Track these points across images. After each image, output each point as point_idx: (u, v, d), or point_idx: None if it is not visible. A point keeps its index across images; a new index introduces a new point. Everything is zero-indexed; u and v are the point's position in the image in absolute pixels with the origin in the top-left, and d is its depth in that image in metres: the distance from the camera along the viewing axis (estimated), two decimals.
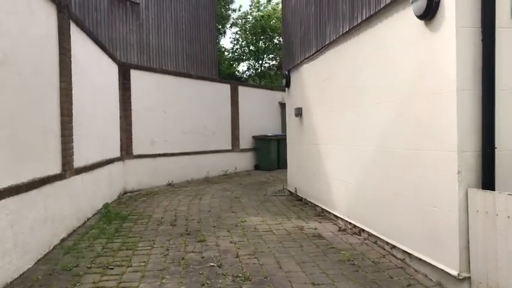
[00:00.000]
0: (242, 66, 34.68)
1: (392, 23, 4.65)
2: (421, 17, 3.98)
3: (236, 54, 26.48)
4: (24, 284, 4.08)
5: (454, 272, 3.72)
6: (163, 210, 7.88)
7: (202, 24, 15.03)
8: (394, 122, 4.65)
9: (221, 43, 28.60)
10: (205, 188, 10.82)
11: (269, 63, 26.90)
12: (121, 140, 9.87)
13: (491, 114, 3.59)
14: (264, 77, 26.00)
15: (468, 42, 3.61)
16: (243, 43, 26.11)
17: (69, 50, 5.89)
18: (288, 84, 9.15)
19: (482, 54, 3.59)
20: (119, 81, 9.80)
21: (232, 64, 26.80)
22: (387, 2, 4.64)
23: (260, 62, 26.42)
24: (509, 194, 3.31)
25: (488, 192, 3.49)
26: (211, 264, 4.63)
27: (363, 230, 5.62)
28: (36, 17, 4.93)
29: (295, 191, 8.81)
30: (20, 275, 4.26)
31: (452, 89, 3.65)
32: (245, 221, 6.81)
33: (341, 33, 5.96)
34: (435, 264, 4.00)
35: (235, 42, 26.19)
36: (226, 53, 26.39)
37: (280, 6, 25.02)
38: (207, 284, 4.06)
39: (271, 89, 17.15)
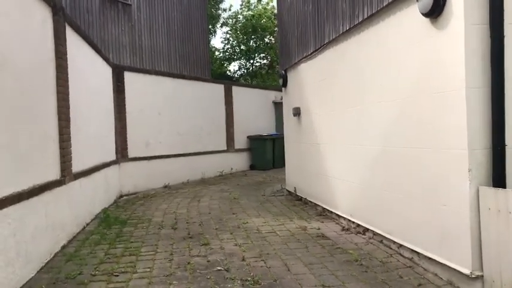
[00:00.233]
0: (233, 66, 34.66)
1: (396, 21, 4.62)
2: (427, 14, 3.95)
3: (227, 53, 26.40)
4: None
5: (467, 271, 3.70)
6: (163, 213, 7.79)
7: (194, 25, 14.93)
8: (400, 120, 4.62)
9: (212, 43, 28.46)
10: (202, 190, 10.74)
11: (260, 63, 26.86)
12: (116, 143, 9.75)
13: (501, 112, 3.57)
14: (256, 76, 25.95)
15: (477, 39, 3.59)
16: (234, 43, 26.04)
17: (66, 54, 5.78)
18: (284, 84, 9.11)
19: (491, 51, 3.58)
20: (113, 83, 9.67)
21: (223, 64, 26.71)
22: (390, 1, 4.60)
23: (251, 61, 26.36)
24: None
25: (500, 190, 3.47)
26: (219, 268, 4.57)
27: (367, 229, 5.60)
28: (32, 20, 4.81)
29: (295, 190, 8.77)
30: (23, 285, 4.15)
31: (462, 87, 3.62)
32: (247, 222, 6.75)
33: (341, 32, 5.92)
34: (445, 263, 3.98)
35: (226, 41, 26.12)
36: (217, 53, 26.29)
37: (271, 5, 25.05)
38: None
39: (265, 88, 17.10)
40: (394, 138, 4.75)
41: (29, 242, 4.34)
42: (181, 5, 14.03)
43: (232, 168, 14.26)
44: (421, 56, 4.18)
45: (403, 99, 4.49)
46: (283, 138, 14.85)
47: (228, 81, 16.10)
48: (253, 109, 15.39)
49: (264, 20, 24.66)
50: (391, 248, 5.03)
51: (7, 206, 3.84)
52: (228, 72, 26.84)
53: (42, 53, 5.11)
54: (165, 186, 11.36)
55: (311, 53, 7.24)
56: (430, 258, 4.24)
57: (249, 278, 4.22)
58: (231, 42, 26.16)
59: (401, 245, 4.79)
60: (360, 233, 5.77)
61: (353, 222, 5.99)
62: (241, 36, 25.46)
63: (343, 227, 6.19)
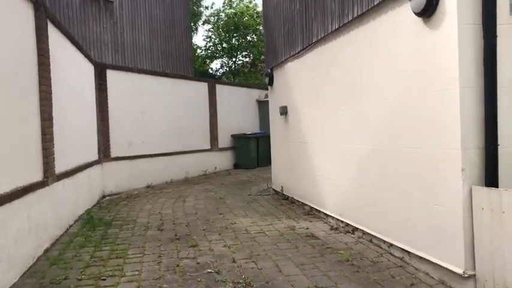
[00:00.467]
0: (215, 64, 34.42)
1: (387, 20, 4.60)
2: (419, 14, 3.94)
3: (209, 51, 26.20)
4: None
5: (459, 270, 3.71)
6: (148, 214, 7.65)
7: (177, 22, 14.74)
8: (391, 120, 4.61)
9: (193, 40, 28.22)
10: (186, 189, 10.60)
11: (243, 61, 26.75)
12: (98, 142, 9.54)
13: (494, 111, 3.59)
14: (238, 74, 25.83)
15: (470, 39, 3.60)
16: (216, 40, 25.85)
17: (48, 51, 5.59)
18: (271, 83, 9.05)
19: (484, 51, 3.59)
20: (95, 81, 9.45)
21: (205, 62, 26.50)
22: (381, 0, 4.59)
23: (234, 59, 26.23)
24: None
25: (493, 190, 3.48)
26: (209, 270, 4.49)
27: (357, 229, 5.59)
28: (14, 16, 4.63)
29: (281, 189, 8.73)
30: None
31: (455, 87, 3.63)
32: (235, 222, 6.68)
33: (330, 31, 5.89)
34: (437, 262, 3.99)
35: (208, 39, 25.92)
36: (199, 51, 26.08)
37: (253, 3, 24.96)
38: None
39: (249, 86, 17.02)
40: (386, 138, 4.74)
41: (11, 246, 4.18)
42: (163, 2, 13.83)
43: (216, 167, 14.15)
44: (413, 55, 4.17)
45: (396, 99, 4.49)
46: (267, 136, 14.93)
47: (212, 80, 15.96)
48: (237, 108, 15.30)
49: (247, 18, 24.55)
50: (381, 248, 5.03)
51: None
52: (210, 70, 26.65)
53: (25, 51, 4.93)
54: (148, 186, 11.18)
55: (299, 52, 7.20)
56: (421, 258, 4.24)
57: (240, 280, 4.16)
58: (213, 40, 25.98)
59: (391, 244, 4.79)
60: (349, 232, 5.76)
61: (342, 221, 5.98)
62: (223, 34, 25.30)
63: (332, 227, 6.17)
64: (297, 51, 7.28)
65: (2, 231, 3.96)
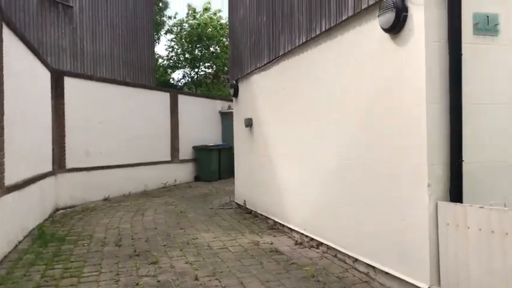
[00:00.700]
0: (177, 74, 34.04)
1: (355, 35, 4.63)
2: (388, 30, 3.98)
3: (171, 61, 25.86)
4: None
5: (425, 286, 3.71)
6: (105, 228, 7.29)
7: (140, 31, 14.44)
8: (358, 134, 4.61)
9: (156, 50, 27.77)
10: (146, 203, 10.25)
11: (205, 72, 26.56)
12: (53, 152, 9.07)
13: (459, 127, 3.65)
14: (201, 85, 25.60)
15: (436, 56, 3.65)
16: (179, 50, 25.56)
17: (1, 56, 5.25)
18: (236, 94, 8.97)
19: (449, 68, 3.65)
20: (52, 89, 9.02)
21: (167, 71, 26.12)
22: (349, 15, 4.62)
23: (196, 70, 26.00)
24: (480, 207, 3.35)
25: (459, 205, 3.52)
26: None
27: (321, 243, 5.54)
28: None
29: (244, 203, 8.60)
30: None
31: (422, 103, 3.66)
32: (196, 238, 6.47)
33: (297, 45, 5.88)
34: (403, 278, 3.98)
35: (171, 49, 25.60)
36: (160, 60, 25.68)
37: (218, 14, 24.93)
38: None
39: (211, 97, 16.88)
40: (353, 152, 4.74)
41: None
42: (126, 10, 13.52)
43: (176, 180, 13.83)
44: (381, 70, 4.20)
45: (364, 113, 4.49)
46: (229, 148, 14.86)
47: (174, 90, 15.70)
48: (199, 119, 15.10)
49: (210, 29, 24.46)
50: (346, 263, 4.99)
51: None
52: (171, 80, 26.28)
53: None
54: (106, 199, 10.73)
55: (265, 64, 7.16)
56: (387, 273, 4.23)
57: None
58: (175, 50, 25.68)
59: (356, 259, 4.76)
60: (314, 247, 5.71)
61: (306, 236, 5.92)
62: (186, 44, 25.06)
63: (296, 241, 6.09)
64: (263, 64, 7.24)
65: None
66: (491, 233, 3.24)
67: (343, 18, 4.73)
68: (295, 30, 5.94)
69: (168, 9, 24.89)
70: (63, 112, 9.53)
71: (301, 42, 5.77)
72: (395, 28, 3.89)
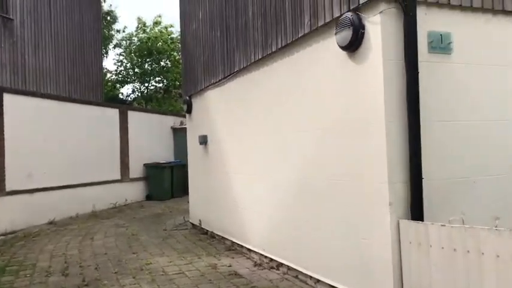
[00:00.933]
0: (127, 89, 33.20)
1: (313, 52, 4.59)
2: (345, 48, 3.96)
3: (120, 76, 25.16)
4: None
5: None
6: (50, 256, 6.77)
7: (87, 45, 13.88)
8: (318, 152, 4.54)
9: (103, 64, 26.95)
10: (94, 225, 9.71)
11: (156, 86, 26.07)
12: None
13: (418, 145, 3.65)
14: (151, 100, 25.04)
15: (394, 74, 3.65)
16: (128, 65, 24.95)
17: None
18: (189, 110, 8.74)
19: (407, 86, 3.66)
20: None
21: (116, 86, 25.37)
22: (306, 32, 4.58)
23: (146, 84, 25.46)
24: (441, 225, 3.35)
25: (421, 224, 3.50)
26: None
27: (282, 264, 5.40)
28: None
29: (200, 223, 8.32)
30: None
31: (381, 120, 3.64)
32: (150, 263, 6.14)
33: (253, 61, 5.79)
34: None
35: (119, 63, 24.93)
36: (109, 75, 24.93)
37: (169, 29, 24.62)
38: None
39: (163, 113, 16.50)
40: (314, 170, 4.65)
41: None
42: (72, 23, 12.95)
43: (127, 199, 13.29)
44: (339, 88, 4.17)
45: (324, 130, 4.43)
46: (182, 166, 14.50)
47: (124, 106, 15.20)
48: (150, 135, 14.67)
49: (161, 43, 24.08)
50: (307, 284, 4.87)
51: None
52: (120, 95, 25.55)
53: None
54: (51, 223, 10.05)
55: (220, 80, 7.01)
56: None
57: None
58: (124, 64, 25.05)
59: (318, 280, 4.66)
60: (274, 268, 5.55)
61: (266, 256, 5.76)
62: (135, 58, 24.51)
63: (256, 262, 5.92)
64: (218, 80, 7.09)
65: None
66: (453, 251, 3.23)
67: (299, 35, 4.69)
68: (251, 46, 5.85)
69: (116, 22, 24.22)
70: (3, 130, 8.90)
71: (257, 59, 5.68)
72: (353, 46, 3.87)
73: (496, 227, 3.95)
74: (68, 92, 12.70)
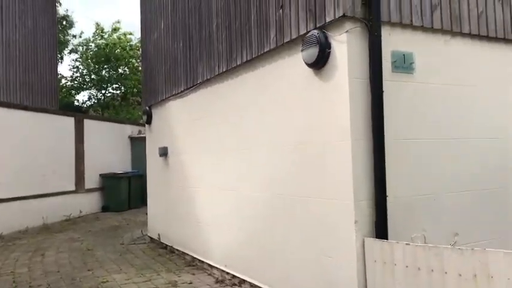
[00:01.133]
0: (83, 96, 32.21)
1: (279, 68, 4.56)
2: (311, 65, 3.95)
3: (76, 82, 24.33)
4: None
5: None
6: None
7: (41, 50, 13.31)
8: (286, 168, 4.48)
9: (58, 70, 26.01)
10: (46, 240, 9.22)
11: (113, 93, 25.40)
12: None
13: (382, 163, 3.68)
14: (108, 107, 24.36)
15: (359, 92, 3.67)
16: (84, 71, 24.19)
17: None
18: (149, 121, 8.51)
19: (371, 105, 3.69)
20: None
21: (71, 93, 24.51)
22: (271, 47, 4.55)
23: (103, 91, 24.75)
24: (406, 244, 3.37)
25: (386, 242, 3.51)
26: None
27: (244, 281, 5.29)
28: None
29: (159, 237, 8.08)
30: None
31: (347, 138, 3.65)
32: (107, 281, 5.87)
33: (217, 73, 5.70)
34: None
35: (75, 69, 24.12)
36: (64, 81, 24.04)
37: (128, 36, 24.12)
38: None
39: (121, 122, 16.05)
40: (279, 186, 4.60)
41: None
42: (25, 28, 12.39)
43: (81, 211, 12.76)
44: (305, 104, 4.15)
45: (289, 147, 4.39)
46: (140, 176, 14.13)
47: (80, 114, 14.68)
48: (107, 144, 14.22)
49: (119, 50, 23.52)
50: None
51: None
52: (76, 102, 24.69)
53: None
54: None
55: (182, 91, 6.86)
56: None
57: None
58: (80, 70, 24.26)
59: None
60: (236, 284, 5.44)
61: (228, 273, 5.64)
62: (92, 65, 23.81)
63: (217, 279, 5.78)
64: (180, 91, 6.94)
65: None
66: (417, 269, 3.26)
67: (265, 50, 4.65)
68: (215, 58, 5.76)
69: (73, 27, 23.43)
70: None
71: (221, 71, 5.59)
72: (319, 63, 3.87)
73: (455, 242, 4.08)
74: (20, 99, 12.13)
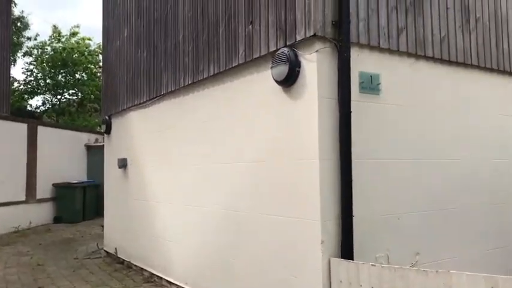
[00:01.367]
0: (36, 101, 30.93)
1: (246, 83, 4.51)
2: (280, 82, 3.93)
3: (29, 86, 23.30)
4: None
5: None
6: None
7: None
8: (250, 184, 4.42)
9: (11, 73, 24.84)
10: None
11: (69, 99, 24.54)
12: None
13: (349, 183, 3.69)
14: (63, 113, 23.47)
15: (328, 112, 3.68)
16: (39, 75, 23.21)
17: None
18: (108, 131, 8.23)
19: (339, 125, 3.70)
20: None
21: (24, 97, 23.43)
22: (240, 62, 4.50)
23: (59, 96, 23.85)
24: (372, 265, 3.38)
25: (352, 263, 3.51)
26: None
27: None
28: None
29: (115, 251, 7.77)
30: None
31: (315, 158, 3.63)
32: None
33: (182, 85, 5.58)
34: None
35: (29, 73, 23.10)
36: (16, 84, 22.96)
37: (87, 42, 23.45)
38: None
39: (77, 129, 15.48)
40: (243, 202, 4.52)
41: None
42: None
43: (31, 222, 12.13)
44: (274, 121, 4.11)
45: (256, 163, 4.33)
46: (96, 186, 13.65)
47: (33, 120, 14.02)
48: (62, 153, 13.67)
49: (77, 54, 22.78)
50: None
51: None
52: (29, 107, 23.62)
53: None
54: None
55: (144, 102, 6.68)
56: None
57: None
58: (34, 74, 23.26)
59: None
60: None
61: None
62: (48, 69, 22.90)
63: None
64: (142, 101, 6.75)
65: None
66: None
67: (233, 65, 4.60)
68: (180, 70, 5.64)
69: (28, 29, 22.47)
70: None
71: (187, 83, 5.48)
72: (288, 81, 3.85)
73: (416, 262, 4.16)
74: None
